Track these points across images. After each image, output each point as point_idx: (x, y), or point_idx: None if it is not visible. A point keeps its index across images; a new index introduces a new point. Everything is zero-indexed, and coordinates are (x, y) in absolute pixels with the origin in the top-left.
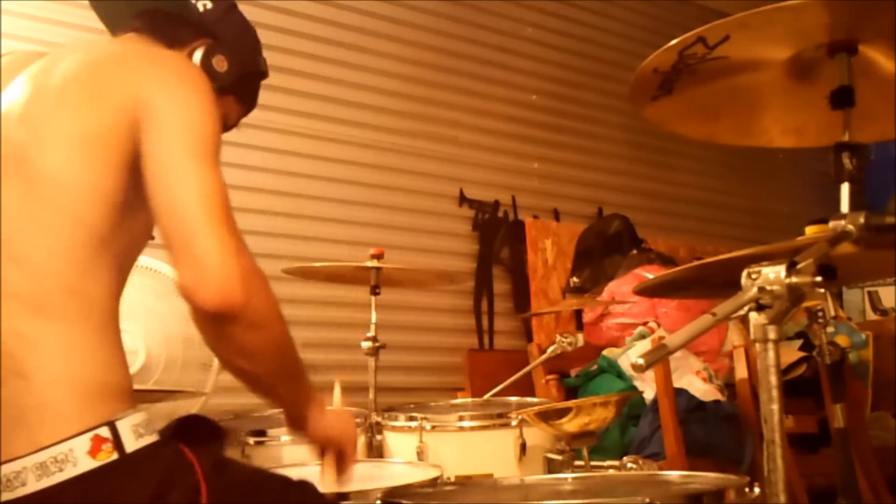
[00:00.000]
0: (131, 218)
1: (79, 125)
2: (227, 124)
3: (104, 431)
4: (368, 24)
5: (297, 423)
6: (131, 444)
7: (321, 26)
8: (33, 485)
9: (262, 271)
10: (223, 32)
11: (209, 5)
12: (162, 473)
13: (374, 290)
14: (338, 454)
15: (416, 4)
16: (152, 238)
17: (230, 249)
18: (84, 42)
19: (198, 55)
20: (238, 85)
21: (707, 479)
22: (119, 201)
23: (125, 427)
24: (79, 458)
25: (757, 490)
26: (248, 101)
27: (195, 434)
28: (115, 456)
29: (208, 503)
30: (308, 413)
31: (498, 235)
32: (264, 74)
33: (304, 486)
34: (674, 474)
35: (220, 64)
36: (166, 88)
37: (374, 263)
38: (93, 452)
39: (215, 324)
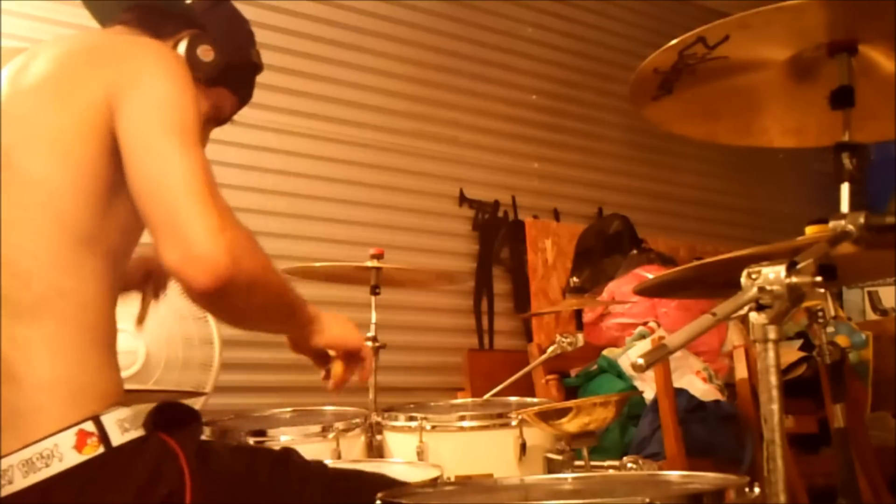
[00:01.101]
0: (119, 213)
1: (55, 124)
2: (221, 117)
3: (89, 426)
4: (368, 24)
5: (300, 342)
6: (117, 438)
7: (321, 26)
8: (21, 482)
9: (248, 231)
10: (210, 23)
11: None
12: (149, 466)
13: (374, 290)
14: (347, 356)
15: (416, 4)
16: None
17: (215, 225)
18: (60, 37)
19: (182, 45)
20: (228, 76)
21: (707, 479)
22: (103, 198)
23: (110, 421)
24: (64, 452)
25: (757, 490)
26: (241, 92)
27: (173, 420)
28: (100, 450)
29: (192, 490)
30: (311, 330)
31: (498, 235)
32: (257, 66)
33: (288, 455)
34: (674, 474)
35: (206, 53)
36: (137, 71)
37: (374, 263)
38: (78, 447)
39: (209, 298)
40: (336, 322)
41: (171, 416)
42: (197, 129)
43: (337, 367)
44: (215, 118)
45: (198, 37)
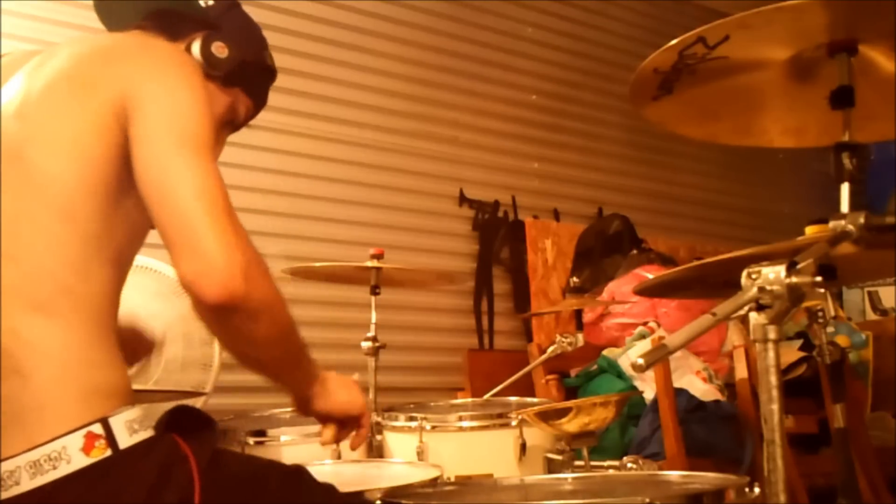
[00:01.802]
0: (127, 212)
1: (68, 121)
2: (237, 121)
3: (97, 428)
4: (368, 24)
5: (303, 403)
6: (125, 441)
7: (321, 26)
8: (27, 483)
9: (263, 258)
10: (225, 25)
11: (211, 2)
12: (157, 469)
13: (374, 290)
14: (346, 422)
15: (416, 4)
16: (152, 227)
17: (230, 240)
18: (76, 38)
19: (196, 44)
20: (243, 75)
21: (707, 479)
22: (113, 197)
23: (119, 423)
24: (72, 455)
25: (757, 490)
26: (256, 95)
27: (187, 425)
28: (108, 452)
29: (202, 497)
30: (313, 391)
31: (498, 235)
32: (272, 70)
33: (299, 471)
34: (674, 474)
35: (221, 50)
36: (153, 78)
37: (374, 263)
38: (86, 449)
39: (218, 315)
40: (342, 386)
41: (185, 420)
42: (212, 141)
43: (328, 432)
44: (231, 121)
45: (212, 35)
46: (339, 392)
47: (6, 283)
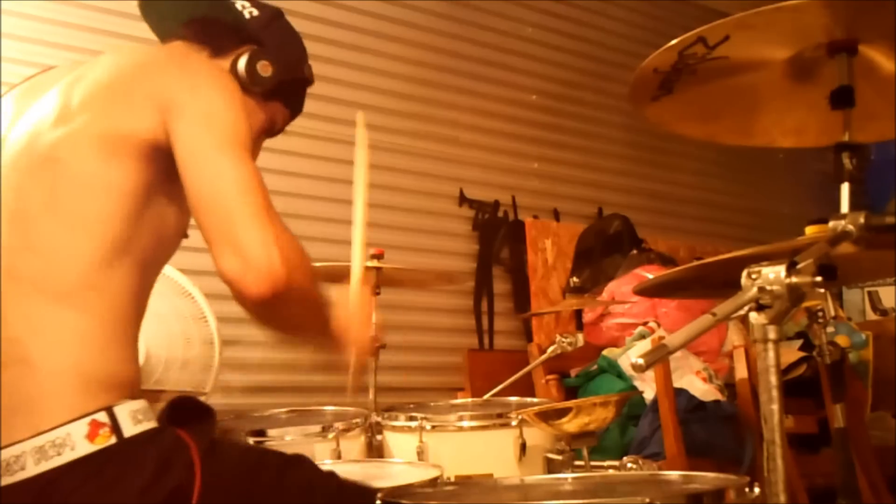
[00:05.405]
0: (153, 218)
1: (104, 125)
2: (274, 130)
3: (102, 416)
4: (368, 24)
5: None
6: (129, 430)
7: (321, 26)
8: (32, 468)
9: (296, 239)
10: (268, 39)
11: (255, 13)
12: (160, 457)
13: (374, 290)
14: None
15: (416, 4)
16: (186, 237)
17: (272, 236)
18: (117, 48)
19: (242, 61)
20: (284, 90)
21: (707, 479)
22: (139, 203)
23: (123, 413)
24: (77, 442)
25: (757, 490)
26: (294, 106)
27: (187, 415)
28: (112, 440)
29: (202, 482)
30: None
31: (498, 235)
32: (309, 81)
33: (299, 460)
34: (674, 474)
35: (265, 69)
36: (191, 88)
37: (374, 263)
38: (90, 437)
39: (263, 307)
40: (349, 317)
41: (185, 410)
42: (249, 142)
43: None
44: (269, 130)
45: (257, 53)
46: (353, 325)
47: (26, 273)
